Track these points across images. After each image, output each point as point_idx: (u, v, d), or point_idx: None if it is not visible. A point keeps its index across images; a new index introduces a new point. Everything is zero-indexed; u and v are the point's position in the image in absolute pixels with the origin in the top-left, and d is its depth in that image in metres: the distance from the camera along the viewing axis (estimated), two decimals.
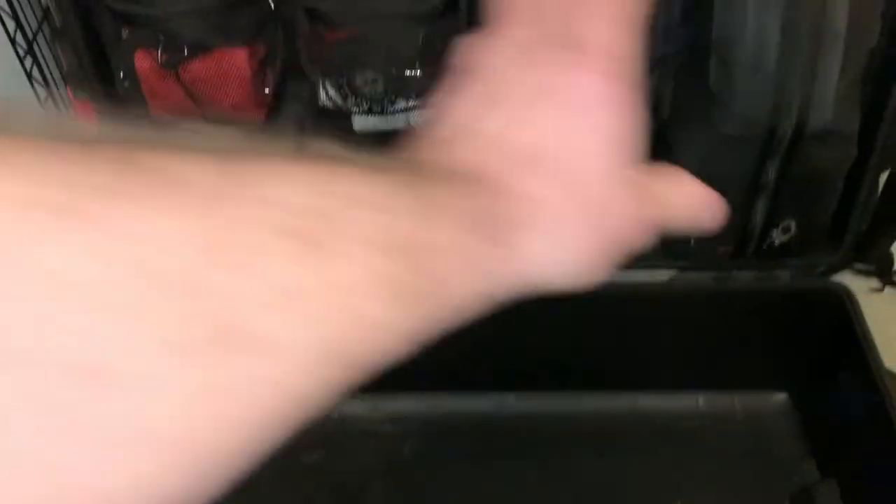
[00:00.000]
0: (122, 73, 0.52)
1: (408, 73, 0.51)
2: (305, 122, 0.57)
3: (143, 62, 0.51)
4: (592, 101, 0.26)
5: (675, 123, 0.55)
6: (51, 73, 0.82)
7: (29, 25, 0.78)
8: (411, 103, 0.53)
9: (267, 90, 0.54)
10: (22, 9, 0.76)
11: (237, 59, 0.51)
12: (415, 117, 0.54)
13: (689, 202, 0.29)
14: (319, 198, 0.18)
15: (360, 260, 0.18)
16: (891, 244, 0.72)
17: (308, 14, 0.50)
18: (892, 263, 0.76)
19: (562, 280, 0.25)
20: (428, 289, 0.20)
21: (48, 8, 0.79)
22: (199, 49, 0.50)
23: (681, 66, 0.53)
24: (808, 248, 0.60)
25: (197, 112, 0.54)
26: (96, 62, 0.53)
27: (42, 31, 0.80)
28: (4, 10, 0.74)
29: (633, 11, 0.28)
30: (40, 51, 0.81)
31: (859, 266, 0.76)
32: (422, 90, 0.52)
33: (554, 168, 0.25)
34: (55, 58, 0.81)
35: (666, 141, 0.56)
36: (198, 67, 0.51)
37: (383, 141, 0.56)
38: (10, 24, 0.75)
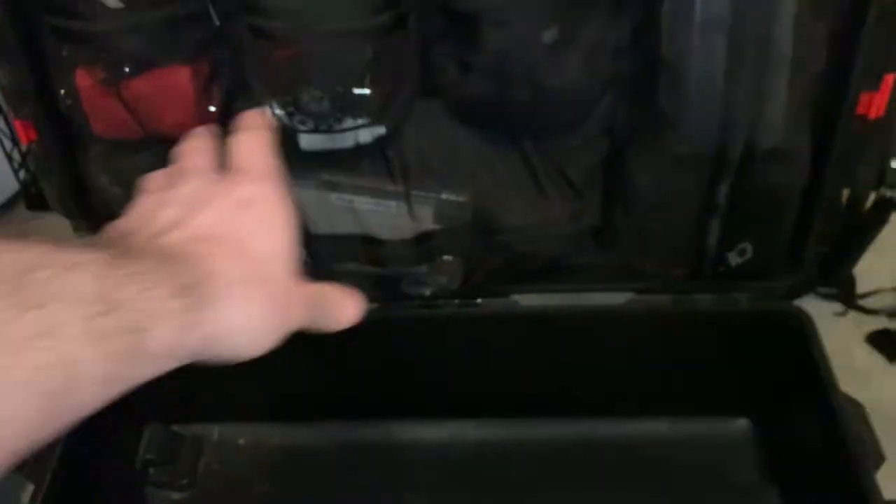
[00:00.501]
0: (63, 91, 0.51)
1: (355, 90, 0.51)
2: None
3: (84, 80, 0.50)
4: (257, 201, 0.34)
5: (629, 144, 0.55)
6: None
7: None
8: (359, 121, 0.52)
9: (212, 109, 0.53)
10: None
11: (180, 78, 0.50)
12: (362, 136, 0.53)
13: (338, 306, 0.37)
14: (37, 262, 0.23)
15: (66, 309, 0.23)
16: (853, 267, 0.72)
17: (253, 31, 0.49)
18: (854, 287, 0.76)
19: (245, 347, 0.30)
20: (126, 337, 0.25)
21: None
22: (141, 66, 0.49)
23: (633, 87, 0.53)
24: (766, 270, 0.59)
25: (139, 130, 0.53)
26: (38, 80, 0.52)
27: None
28: None
29: (266, 141, 0.39)
30: None
31: (823, 290, 0.76)
32: (369, 108, 0.52)
33: (234, 248, 0.31)
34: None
35: (621, 162, 0.56)
36: (139, 85, 0.50)
37: (329, 160, 0.55)
38: None
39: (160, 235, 0.31)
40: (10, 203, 0.85)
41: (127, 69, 0.49)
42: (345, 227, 0.57)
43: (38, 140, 0.53)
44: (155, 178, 0.37)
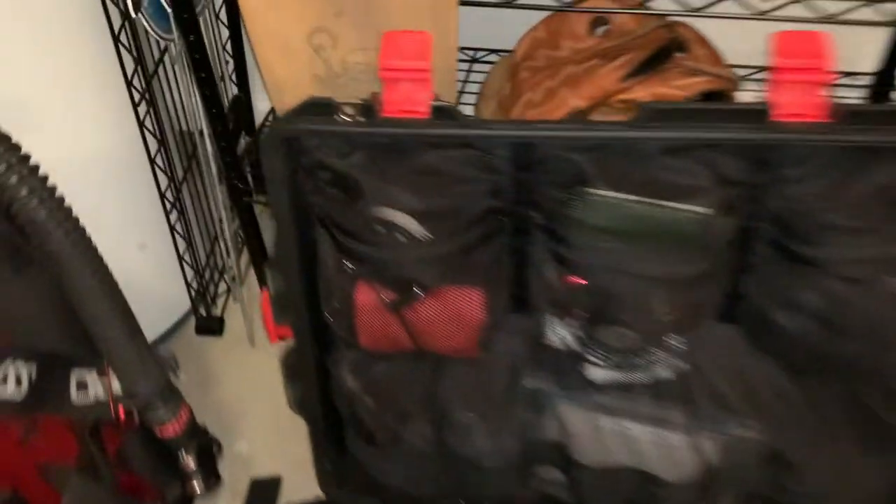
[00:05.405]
0: (336, 302, 0.47)
1: (659, 330, 0.45)
2: (521, 358, 0.50)
3: (365, 296, 0.46)
4: None
5: None
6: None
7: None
8: (653, 358, 0.46)
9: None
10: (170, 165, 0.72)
11: (471, 302, 0.45)
12: (661, 371, 0.47)
13: None
14: None
15: None
16: None
17: (555, 258, 0.44)
18: None
19: None
20: None
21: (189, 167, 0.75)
22: (430, 291, 0.44)
23: None
24: None
25: (410, 347, 0.48)
26: (307, 288, 0.47)
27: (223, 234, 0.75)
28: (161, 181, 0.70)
29: None
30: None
31: None
32: (664, 342, 0.45)
33: None
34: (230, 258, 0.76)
35: None
36: (425, 307, 0.45)
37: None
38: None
39: None
40: (180, 323, 0.82)
41: (414, 293, 0.44)
42: (616, 458, 0.50)
43: (295, 345, 0.49)
44: None
